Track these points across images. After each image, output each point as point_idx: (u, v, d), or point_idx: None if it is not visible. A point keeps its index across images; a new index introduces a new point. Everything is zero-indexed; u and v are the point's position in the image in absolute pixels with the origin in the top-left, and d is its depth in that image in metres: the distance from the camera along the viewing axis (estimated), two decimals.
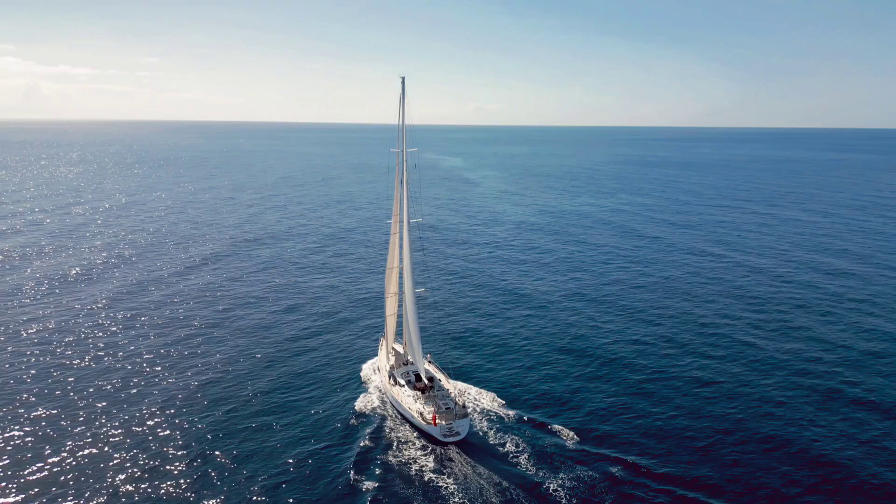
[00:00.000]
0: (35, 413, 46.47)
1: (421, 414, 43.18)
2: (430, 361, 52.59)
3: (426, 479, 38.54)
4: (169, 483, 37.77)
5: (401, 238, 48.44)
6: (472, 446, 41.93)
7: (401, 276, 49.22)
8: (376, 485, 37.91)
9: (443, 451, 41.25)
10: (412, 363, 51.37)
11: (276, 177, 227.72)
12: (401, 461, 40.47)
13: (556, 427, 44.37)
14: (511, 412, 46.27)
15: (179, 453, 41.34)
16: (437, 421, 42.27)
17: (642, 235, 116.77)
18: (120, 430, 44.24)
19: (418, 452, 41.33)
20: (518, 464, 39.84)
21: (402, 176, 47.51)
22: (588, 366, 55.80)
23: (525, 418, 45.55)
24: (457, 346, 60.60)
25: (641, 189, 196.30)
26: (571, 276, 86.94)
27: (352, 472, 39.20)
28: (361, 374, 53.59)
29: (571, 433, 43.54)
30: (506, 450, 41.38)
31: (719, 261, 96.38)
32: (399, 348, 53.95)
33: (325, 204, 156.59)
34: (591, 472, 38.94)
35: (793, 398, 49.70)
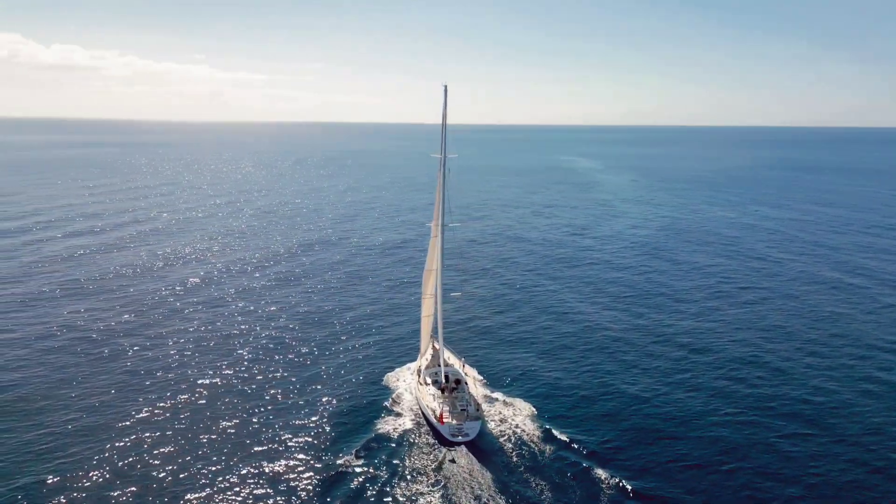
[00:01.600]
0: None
1: (433, 411, 44.59)
2: (464, 365, 53.75)
3: (416, 476, 39.66)
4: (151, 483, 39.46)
5: (441, 241, 50.01)
6: (481, 450, 42.60)
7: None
8: (363, 473, 39.72)
9: (449, 451, 42.27)
10: (445, 364, 52.76)
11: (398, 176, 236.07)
12: (399, 455, 41.93)
13: (586, 450, 43.08)
14: (539, 427, 45.69)
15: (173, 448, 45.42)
16: (445, 420, 43.48)
17: (763, 258, 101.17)
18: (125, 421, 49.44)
19: (420, 449, 42.63)
20: (524, 476, 39.70)
21: (443, 181, 49.00)
22: (652, 416, 49.19)
23: (555, 435, 44.52)
24: (505, 359, 60.85)
25: (788, 198, 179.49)
26: (654, 307, 76.27)
27: (348, 457, 41.43)
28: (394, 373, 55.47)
29: (604, 472, 40.60)
30: (515, 460, 41.45)
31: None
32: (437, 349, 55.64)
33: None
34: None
35: None
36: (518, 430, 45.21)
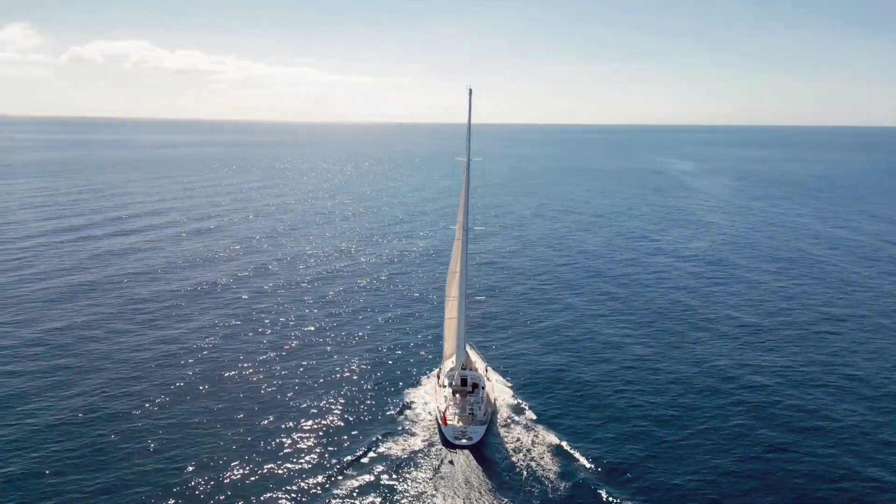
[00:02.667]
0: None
1: (441, 412, 44.90)
2: (487, 369, 53.66)
3: (411, 476, 40.02)
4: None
5: (464, 244, 50.22)
6: (485, 455, 42.49)
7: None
8: (358, 472, 40.45)
9: (449, 453, 42.45)
10: (468, 368, 52.85)
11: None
12: (400, 456, 42.35)
13: (600, 468, 41.61)
14: (553, 438, 44.83)
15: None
16: (449, 422, 43.68)
17: (847, 281, 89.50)
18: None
19: (422, 451, 42.99)
20: (523, 486, 39.22)
21: (467, 184, 49.19)
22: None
23: (568, 450, 43.39)
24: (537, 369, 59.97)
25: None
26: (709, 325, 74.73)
27: (350, 456, 42.34)
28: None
29: (607, 491, 39.12)
30: (517, 469, 40.96)
31: None
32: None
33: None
34: None
35: None
36: (529, 440, 44.59)
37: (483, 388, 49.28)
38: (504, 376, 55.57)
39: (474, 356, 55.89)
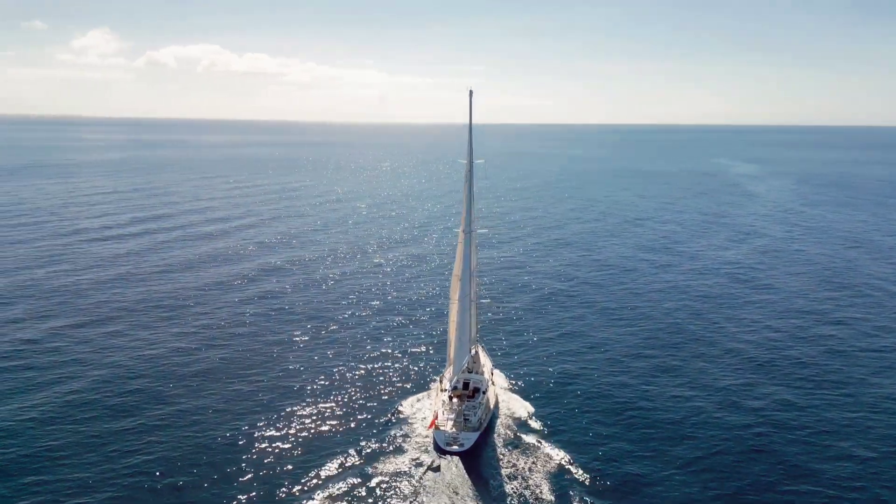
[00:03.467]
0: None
1: (433, 416, 44.34)
2: (492, 371, 52.79)
3: (394, 482, 39.48)
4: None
5: (466, 246, 49.52)
6: (475, 463, 41.64)
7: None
8: (341, 479, 39.93)
9: (438, 459, 41.80)
10: (475, 371, 52.13)
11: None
12: (386, 460, 41.89)
13: (600, 486, 40.16)
14: (550, 449, 43.59)
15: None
16: (441, 427, 42.97)
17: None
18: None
19: (410, 457, 42.41)
20: (511, 498, 38.31)
21: (469, 186, 48.50)
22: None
23: (566, 464, 42.09)
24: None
25: None
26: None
27: (338, 461, 42.13)
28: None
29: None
30: (508, 479, 39.92)
31: None
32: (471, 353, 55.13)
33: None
34: None
35: None
36: (525, 450, 43.49)
37: (484, 392, 48.43)
38: (512, 381, 54.55)
39: (484, 359, 55.10)
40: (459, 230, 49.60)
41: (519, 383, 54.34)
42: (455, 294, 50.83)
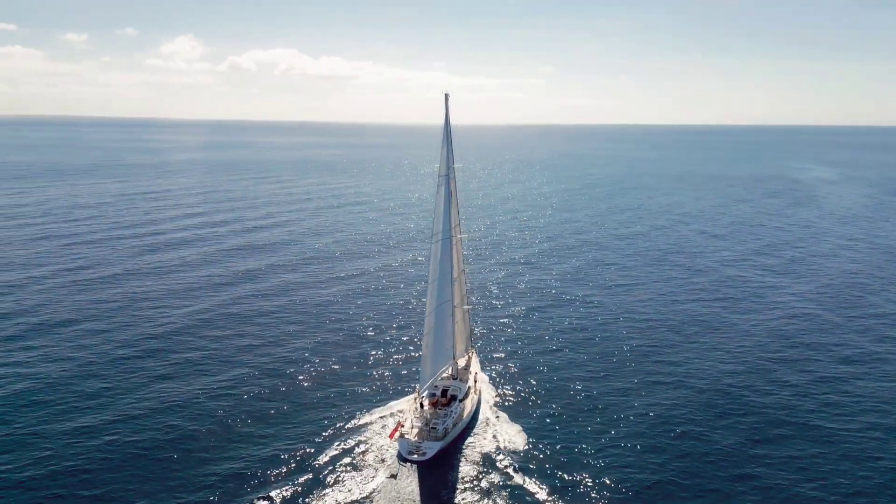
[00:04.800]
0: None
1: (400, 424, 43.87)
2: (476, 378, 51.75)
3: (352, 491, 39.25)
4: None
5: (446, 251, 48.76)
6: (436, 474, 40.97)
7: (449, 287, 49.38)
8: (294, 485, 39.81)
9: (399, 467, 41.39)
10: (459, 379, 51.30)
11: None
12: (345, 470, 41.54)
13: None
14: (519, 462, 42.52)
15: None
16: (405, 435, 42.39)
17: None
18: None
19: (371, 465, 42.13)
20: None
21: (445, 190, 47.72)
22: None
23: (530, 478, 40.84)
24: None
25: None
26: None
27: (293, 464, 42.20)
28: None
29: None
30: (467, 492, 39.18)
31: None
32: (462, 361, 54.26)
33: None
34: None
35: None
36: (492, 462, 42.50)
37: (461, 401, 47.59)
38: (502, 390, 53.41)
39: (474, 366, 54.05)
40: (434, 234, 48.45)
41: (510, 394, 53.13)
42: (431, 302, 49.17)
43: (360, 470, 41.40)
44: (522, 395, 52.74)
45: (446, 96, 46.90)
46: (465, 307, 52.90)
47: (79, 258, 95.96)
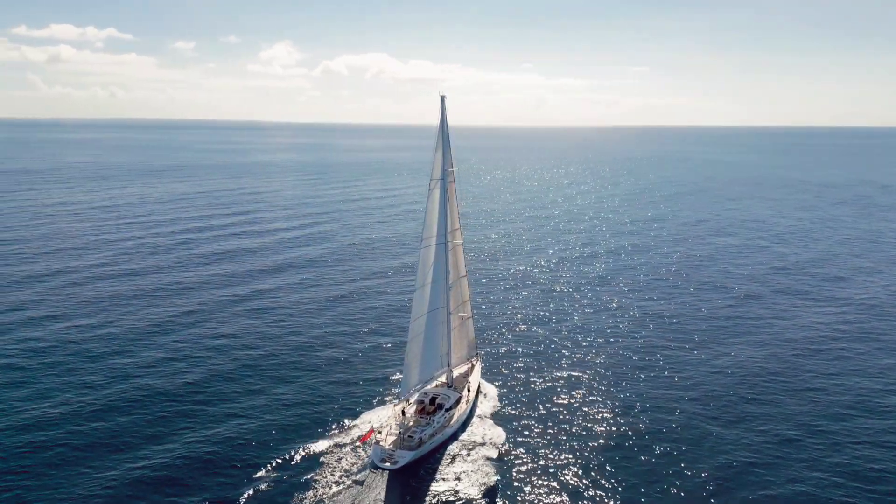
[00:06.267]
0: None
1: (371, 428, 43.20)
2: (468, 388, 50.38)
3: (315, 496, 38.74)
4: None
5: (440, 256, 47.78)
6: (405, 483, 40.02)
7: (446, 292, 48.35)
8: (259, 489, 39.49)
9: (370, 475, 40.63)
10: (453, 387, 50.17)
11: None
12: (313, 473, 41.11)
13: None
14: (498, 480, 40.99)
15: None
16: (380, 441, 41.62)
17: None
18: None
19: (342, 472, 41.49)
20: None
21: (445, 193, 46.76)
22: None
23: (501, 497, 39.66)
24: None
25: None
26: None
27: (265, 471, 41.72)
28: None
29: None
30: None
31: None
32: (461, 369, 53.08)
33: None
34: None
35: None
36: (467, 477, 41.14)
37: (447, 410, 46.41)
38: (503, 403, 51.70)
39: (475, 376, 52.73)
40: (425, 238, 47.25)
41: (512, 408, 51.29)
42: (421, 307, 47.82)
43: (327, 475, 40.91)
44: (524, 411, 50.65)
45: (442, 98, 45.98)
46: (461, 314, 51.62)
47: (102, 258, 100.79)
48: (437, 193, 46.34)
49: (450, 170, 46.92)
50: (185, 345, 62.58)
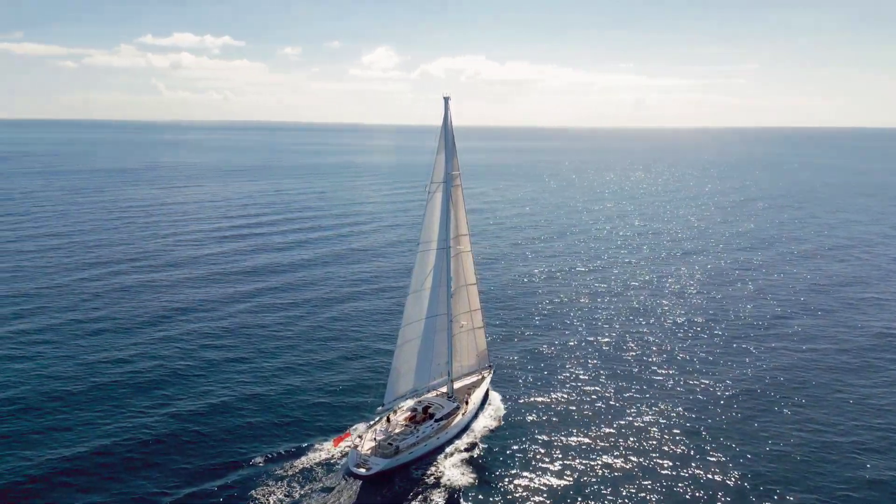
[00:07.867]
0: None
1: (346, 432, 42.68)
2: (465, 401, 48.76)
3: (282, 498, 38.45)
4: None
5: (440, 261, 46.54)
6: (377, 491, 39.14)
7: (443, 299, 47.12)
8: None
9: (344, 481, 39.98)
10: (453, 398, 48.86)
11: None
12: (287, 476, 40.76)
13: None
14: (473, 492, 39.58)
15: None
16: (357, 446, 40.96)
17: None
18: None
19: (314, 475, 40.98)
20: None
21: (448, 197, 45.55)
22: None
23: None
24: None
25: None
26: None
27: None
28: None
29: None
30: None
31: None
32: (468, 381, 51.65)
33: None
34: None
35: None
36: (443, 490, 39.86)
37: (437, 420, 45.15)
38: (506, 415, 49.82)
39: (481, 388, 51.01)
40: (423, 243, 45.96)
41: (513, 419, 49.28)
42: (416, 312, 46.41)
43: (299, 477, 40.64)
44: (529, 427, 48.52)
45: (446, 100, 44.81)
46: (462, 323, 50.04)
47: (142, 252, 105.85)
48: (438, 197, 45.24)
49: (455, 173, 45.68)
50: (158, 342, 63.31)
